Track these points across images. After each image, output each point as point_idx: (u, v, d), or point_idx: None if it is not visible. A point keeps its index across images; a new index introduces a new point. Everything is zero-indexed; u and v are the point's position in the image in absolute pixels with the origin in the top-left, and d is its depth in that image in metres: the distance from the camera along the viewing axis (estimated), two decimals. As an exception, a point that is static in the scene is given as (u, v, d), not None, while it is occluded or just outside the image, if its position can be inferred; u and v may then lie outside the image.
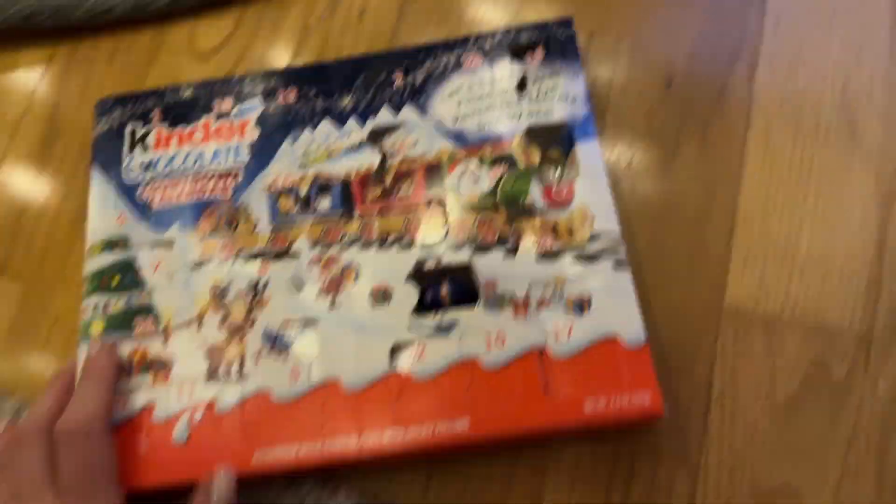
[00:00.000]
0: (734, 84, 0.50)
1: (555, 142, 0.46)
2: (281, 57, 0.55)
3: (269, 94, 0.50)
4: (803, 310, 0.44)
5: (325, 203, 0.47)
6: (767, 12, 0.51)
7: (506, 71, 0.48)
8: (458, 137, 0.47)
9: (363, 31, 0.55)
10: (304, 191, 0.47)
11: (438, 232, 0.45)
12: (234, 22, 0.57)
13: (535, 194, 0.45)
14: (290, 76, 0.50)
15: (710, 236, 0.46)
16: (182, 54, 0.56)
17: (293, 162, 0.48)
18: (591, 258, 0.43)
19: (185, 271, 0.46)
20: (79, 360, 0.44)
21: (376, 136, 0.48)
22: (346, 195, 0.47)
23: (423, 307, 0.44)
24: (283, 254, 0.46)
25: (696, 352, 0.44)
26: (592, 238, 0.44)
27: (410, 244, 0.45)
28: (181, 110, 0.50)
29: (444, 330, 0.42)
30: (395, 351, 0.42)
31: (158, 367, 0.43)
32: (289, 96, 0.50)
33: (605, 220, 0.44)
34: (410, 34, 0.54)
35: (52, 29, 0.56)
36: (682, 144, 0.49)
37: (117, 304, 0.45)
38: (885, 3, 0.51)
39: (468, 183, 0.46)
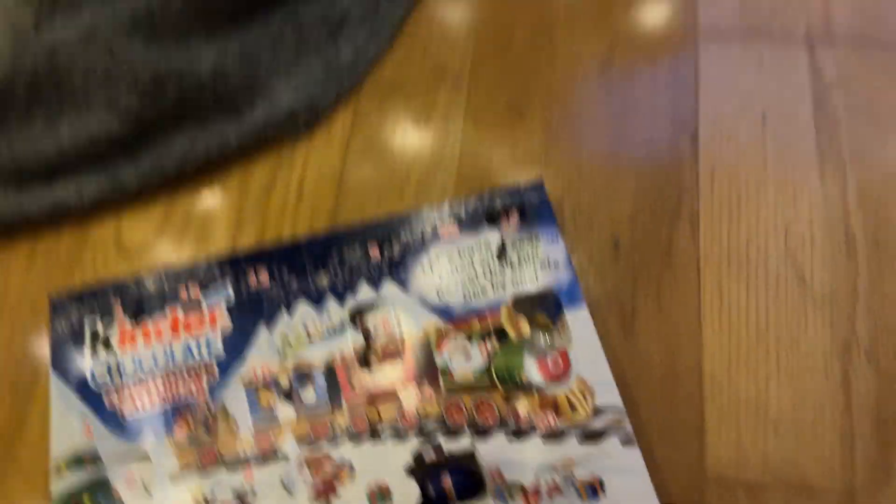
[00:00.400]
0: (679, 241, 0.50)
1: (542, 309, 0.45)
2: (217, 246, 0.52)
3: (238, 278, 0.48)
4: (783, 471, 0.43)
5: (309, 394, 0.44)
6: (701, 166, 0.52)
7: (484, 238, 0.48)
8: (444, 312, 0.46)
9: (301, 212, 0.53)
10: (284, 382, 0.45)
11: (435, 417, 0.43)
12: (163, 214, 0.54)
13: (530, 368, 0.44)
14: (259, 257, 0.49)
15: (681, 400, 0.45)
16: (108, 251, 0.53)
17: (272, 350, 0.46)
18: (597, 436, 0.42)
19: (163, 485, 0.42)
20: None
21: (357, 315, 0.46)
22: (332, 383, 0.45)
23: (429, 501, 0.41)
24: (268, 456, 0.43)
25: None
26: (596, 413, 0.42)
27: (405, 433, 0.43)
28: (144, 302, 0.47)
29: (452, 530, 0.40)
30: (400, 556, 0.40)
31: None
32: (260, 278, 0.48)
33: (607, 393, 0.43)
34: (351, 212, 0.53)
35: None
36: (637, 306, 0.48)
37: (90, 531, 0.41)
38: (810, 146, 0.52)
39: (460, 360, 0.44)
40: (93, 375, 0.45)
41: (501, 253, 0.47)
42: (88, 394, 0.45)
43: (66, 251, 0.53)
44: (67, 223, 0.54)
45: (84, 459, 0.43)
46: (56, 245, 0.53)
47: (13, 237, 0.53)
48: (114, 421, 0.44)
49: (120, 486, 0.42)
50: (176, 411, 0.44)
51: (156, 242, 0.53)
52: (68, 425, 0.44)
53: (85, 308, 0.47)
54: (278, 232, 0.53)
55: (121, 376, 0.45)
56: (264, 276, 0.48)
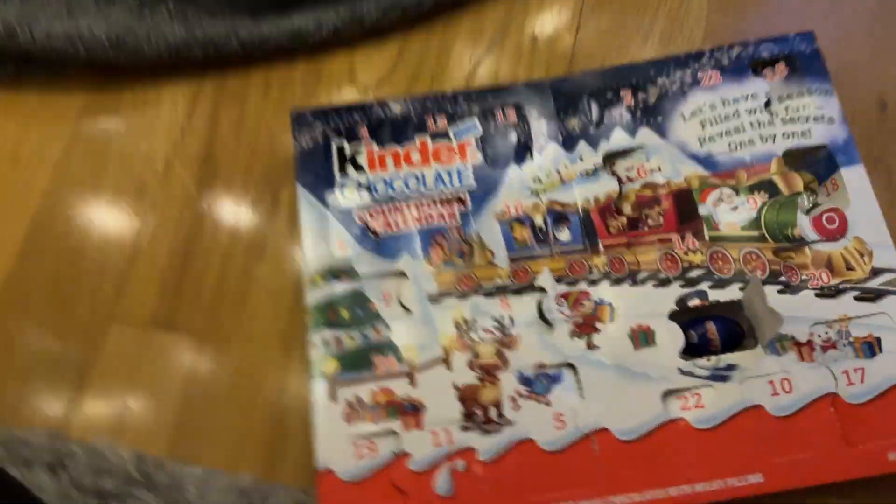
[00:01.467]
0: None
1: (815, 165, 0.43)
2: (451, 88, 0.51)
3: (486, 114, 0.47)
4: None
5: (564, 234, 0.44)
6: None
7: (750, 88, 0.45)
8: (708, 162, 0.44)
9: (537, 59, 0.51)
10: (539, 220, 0.44)
11: (698, 266, 0.42)
12: (397, 51, 0.53)
13: (803, 224, 0.42)
14: (507, 95, 0.47)
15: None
16: (343, 84, 0.52)
17: (523, 188, 0.45)
18: (875, 296, 0.40)
19: (423, 305, 0.42)
20: (313, 399, 0.40)
21: (612, 160, 0.45)
22: (588, 226, 0.43)
23: (690, 350, 0.40)
24: (526, 289, 0.42)
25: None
26: (874, 274, 0.40)
27: (667, 281, 0.42)
28: (391, 128, 0.46)
29: (721, 375, 0.39)
30: (666, 397, 0.39)
31: (408, 412, 0.40)
32: (509, 116, 0.46)
33: (885, 255, 0.41)
34: (587, 59, 0.51)
35: (201, 63, 0.52)
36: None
37: (351, 339, 0.42)
38: None
39: (726, 211, 0.43)
40: (342, 191, 0.45)
41: (768, 105, 0.45)
42: (340, 210, 0.44)
43: (300, 82, 0.53)
44: (300, 57, 0.53)
45: (339, 272, 0.43)
46: (290, 76, 0.53)
47: (249, 65, 0.53)
48: (367, 238, 0.44)
49: (377, 300, 0.43)
50: (429, 235, 0.44)
51: (390, 78, 0.52)
52: (320, 239, 0.44)
53: (329, 126, 0.47)
54: (514, 78, 0.51)
55: (371, 195, 0.45)
56: (512, 115, 0.46)
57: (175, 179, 0.50)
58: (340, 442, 0.39)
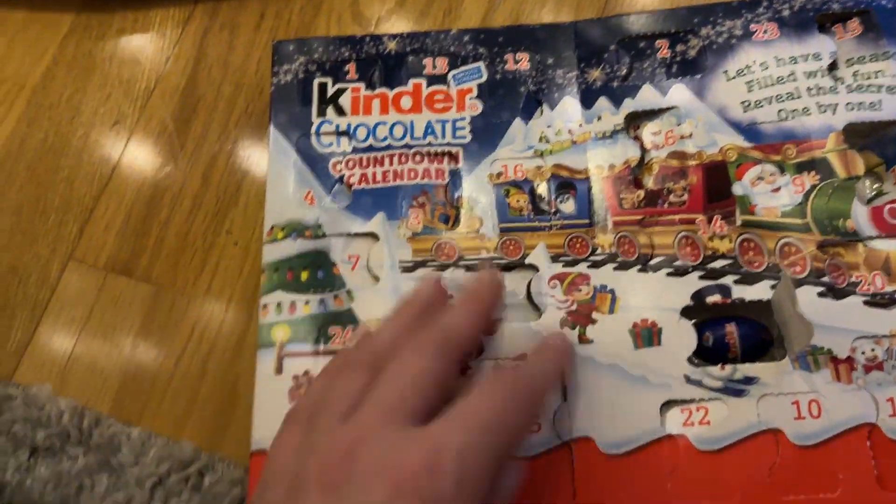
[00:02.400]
0: None
1: (884, 146, 0.35)
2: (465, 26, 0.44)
3: (493, 58, 0.40)
4: None
5: (568, 205, 0.37)
6: None
7: (812, 47, 0.37)
8: (750, 132, 0.36)
9: None
10: (541, 187, 0.37)
11: (724, 255, 0.35)
12: None
13: (859, 215, 0.34)
14: (520, 37, 0.40)
15: None
16: (344, 20, 0.46)
17: (527, 147, 0.38)
18: (940, 311, 0.32)
19: (392, 274, 0.36)
20: (258, 369, 0.35)
21: (635, 122, 0.38)
22: (597, 198, 0.37)
23: (700, 350, 0.34)
24: (515, 265, 0.36)
25: None
26: (942, 283, 0.33)
27: (685, 270, 0.35)
28: (383, 68, 0.40)
29: (736, 389, 0.32)
30: (666, 408, 0.33)
31: (360, 396, 0.34)
32: (520, 63, 0.40)
33: (960, 261, 0.33)
34: (624, 2, 0.43)
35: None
36: None
37: (307, 305, 0.36)
38: None
39: (766, 192, 0.35)
40: (319, 137, 0.39)
41: (833, 67, 0.37)
42: (312, 157, 0.39)
43: (297, 15, 0.47)
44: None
45: (303, 228, 0.38)
46: (287, 8, 0.47)
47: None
48: (340, 192, 0.38)
49: (342, 264, 0.37)
50: (411, 194, 0.38)
51: (396, 13, 0.46)
52: (287, 188, 0.39)
53: (313, 62, 0.41)
54: (537, 19, 0.44)
55: (351, 143, 0.39)
56: (524, 61, 0.40)
57: (153, 113, 0.46)
58: (280, 421, 0.34)
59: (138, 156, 0.45)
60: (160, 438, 0.38)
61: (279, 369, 0.35)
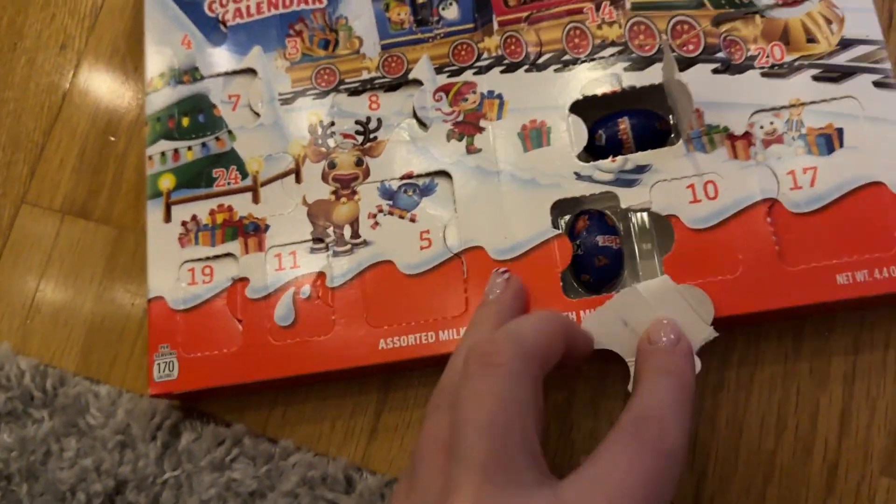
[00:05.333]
0: None
1: None
2: None
3: None
4: None
5: (451, 11, 0.35)
6: None
7: None
8: None
9: None
10: (421, -7, 0.35)
11: (615, 42, 0.32)
12: None
13: (754, -17, 0.31)
14: None
15: None
16: None
17: (405, -46, 0.35)
18: (840, 75, 0.30)
19: (272, 108, 0.35)
20: (147, 221, 0.34)
21: (517, -88, 0.35)
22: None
23: (594, 150, 0.32)
24: (398, 84, 0.34)
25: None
26: (841, 46, 0.30)
27: (573, 62, 0.33)
28: None
29: (627, 179, 0.31)
30: (557, 208, 0.31)
31: (249, 232, 0.33)
32: None
33: (860, 21, 0.30)
34: None
35: None
36: None
37: (190, 151, 0.35)
38: None
39: (657, -29, 0.33)
40: (190, -22, 0.37)
41: None
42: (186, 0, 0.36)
43: None
44: None
45: (181, 73, 0.36)
46: None
47: None
48: (216, 30, 0.36)
49: (221, 105, 0.35)
50: (287, 21, 0.35)
51: None
52: (165, 36, 0.36)
53: None
54: None
55: (222, -22, 0.36)
56: None
57: (103, 33, 0.41)
58: (172, 267, 0.33)
59: (90, 82, 0.40)
60: (132, 395, 0.35)
61: (167, 217, 0.34)
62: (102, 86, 0.40)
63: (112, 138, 0.39)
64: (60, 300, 0.37)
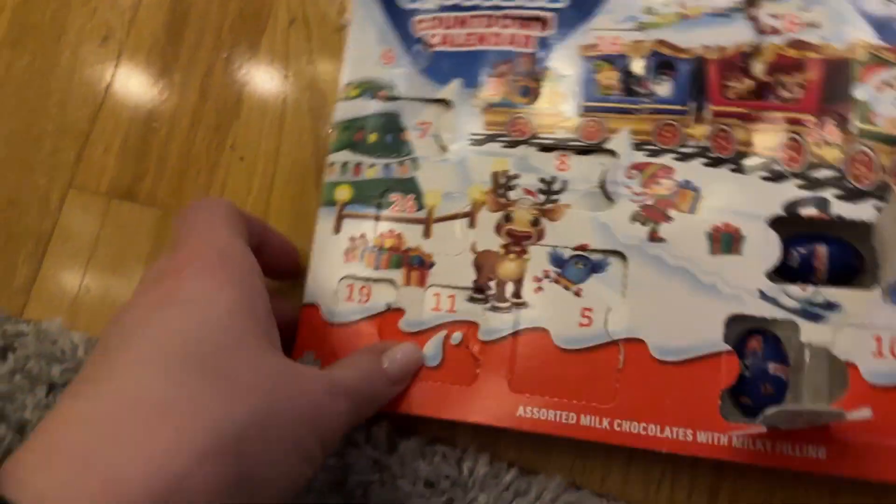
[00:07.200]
0: None
1: None
2: None
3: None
4: None
5: (664, 88, 0.33)
6: None
7: None
8: (886, 29, 0.31)
9: None
10: (637, 64, 0.34)
11: (831, 165, 0.31)
12: None
13: None
14: None
15: None
16: None
17: (626, 18, 0.34)
18: None
19: (461, 145, 0.35)
20: (317, 227, 0.35)
21: (755, 2, 0.33)
22: (699, 82, 0.33)
23: (782, 267, 0.31)
24: (593, 149, 0.33)
25: None
26: None
27: (782, 175, 0.31)
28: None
29: (815, 313, 0.29)
30: (732, 323, 0.30)
31: (414, 265, 0.34)
32: (634, -80, 0.35)
33: None
34: None
35: None
36: None
37: (372, 169, 0.35)
38: None
39: (891, 101, 0.31)
40: (405, -9, 0.36)
41: None
42: (396, 12, 0.37)
43: None
44: None
45: (377, 88, 0.36)
46: None
47: None
48: (419, 53, 0.36)
49: (411, 129, 0.35)
50: (492, 62, 0.35)
51: None
52: (368, 44, 0.37)
53: None
54: None
55: (437, 1, 0.36)
56: (639, -81, 0.35)
57: (143, 26, 0.42)
58: (332, 279, 0.34)
59: (131, 72, 0.42)
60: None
61: (337, 228, 0.35)
62: (143, 76, 0.41)
63: (155, 125, 0.40)
64: (108, 279, 0.39)
